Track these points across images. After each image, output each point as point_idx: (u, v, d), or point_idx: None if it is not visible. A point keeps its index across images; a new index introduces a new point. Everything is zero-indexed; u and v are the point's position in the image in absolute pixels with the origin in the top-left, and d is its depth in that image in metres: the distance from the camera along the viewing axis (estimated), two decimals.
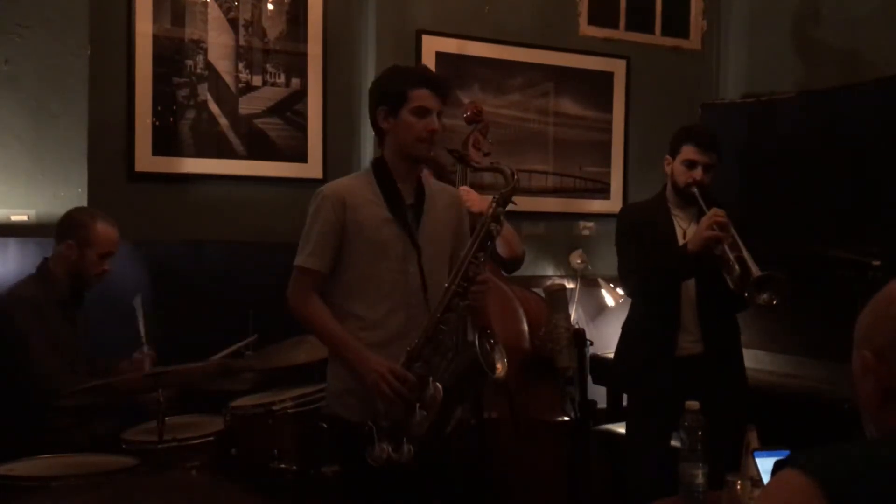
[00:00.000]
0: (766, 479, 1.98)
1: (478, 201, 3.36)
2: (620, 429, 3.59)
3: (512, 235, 3.57)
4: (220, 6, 4.00)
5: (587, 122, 4.79)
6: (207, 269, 3.88)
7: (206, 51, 3.97)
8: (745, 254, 3.00)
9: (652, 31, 4.98)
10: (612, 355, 3.63)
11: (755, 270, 2.95)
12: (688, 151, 3.20)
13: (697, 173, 3.18)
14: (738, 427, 2.32)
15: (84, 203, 3.45)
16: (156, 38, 3.85)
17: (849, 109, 4.04)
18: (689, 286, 3.19)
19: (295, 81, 4.15)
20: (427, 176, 2.75)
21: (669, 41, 5.04)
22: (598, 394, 4.30)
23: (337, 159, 4.21)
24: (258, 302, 3.44)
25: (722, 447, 2.41)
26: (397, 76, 2.62)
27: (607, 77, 4.84)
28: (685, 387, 2.75)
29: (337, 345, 2.53)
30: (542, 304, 3.54)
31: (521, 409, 3.45)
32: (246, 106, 4.05)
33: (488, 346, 2.46)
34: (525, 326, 3.54)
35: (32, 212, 3.43)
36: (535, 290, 3.88)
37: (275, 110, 4.11)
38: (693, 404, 2.22)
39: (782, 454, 1.55)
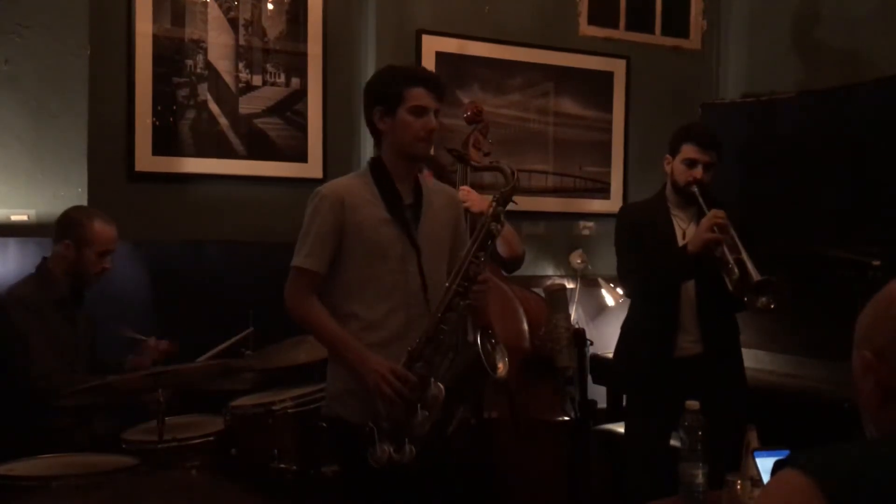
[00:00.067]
0: (766, 479, 1.98)
1: (478, 201, 3.37)
2: (620, 429, 3.58)
3: (512, 235, 3.57)
4: (220, 6, 3.99)
5: (587, 121, 4.79)
6: (207, 269, 3.88)
7: (206, 51, 3.96)
8: (745, 256, 3.00)
9: (652, 31, 4.98)
10: (611, 355, 3.63)
11: (754, 275, 2.94)
12: (688, 150, 3.20)
13: (697, 172, 3.18)
14: (738, 427, 2.32)
15: (84, 203, 3.45)
16: (156, 38, 3.85)
17: (849, 109, 4.04)
18: (689, 286, 3.19)
19: (295, 81, 4.14)
20: (426, 176, 2.75)
21: (669, 41, 5.03)
22: (598, 394, 4.30)
23: (337, 159, 4.20)
24: (258, 302, 3.42)
25: (722, 447, 2.41)
26: (393, 76, 2.59)
27: (607, 77, 4.84)
28: (685, 387, 2.74)
29: (337, 345, 2.51)
30: (542, 304, 3.54)
31: (521, 409, 3.45)
32: (246, 106, 4.05)
33: (489, 346, 2.45)
34: (525, 326, 3.54)
35: (32, 212, 3.43)
36: (535, 289, 3.88)
37: (275, 110, 4.11)
38: (693, 404, 2.21)
39: (782, 454, 1.54)
